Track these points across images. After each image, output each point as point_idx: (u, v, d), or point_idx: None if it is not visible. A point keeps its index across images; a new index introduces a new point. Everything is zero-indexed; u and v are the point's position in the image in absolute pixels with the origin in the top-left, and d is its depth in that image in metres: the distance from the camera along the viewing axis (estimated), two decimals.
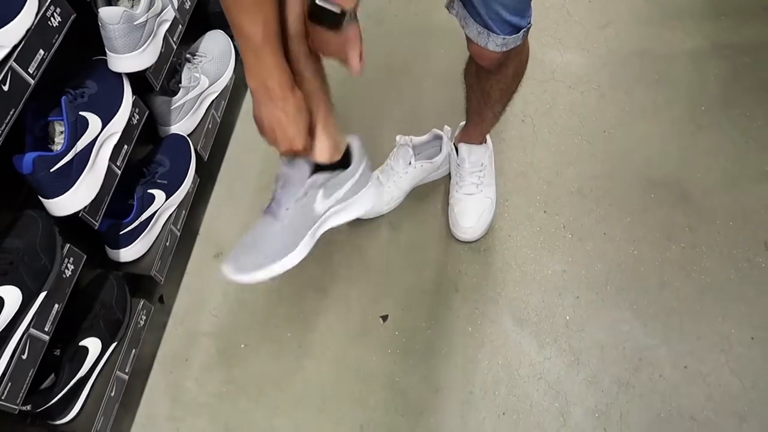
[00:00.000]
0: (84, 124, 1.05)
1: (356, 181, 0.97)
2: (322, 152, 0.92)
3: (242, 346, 1.39)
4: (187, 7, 1.34)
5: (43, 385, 1.07)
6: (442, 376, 1.29)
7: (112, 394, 1.19)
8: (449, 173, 1.54)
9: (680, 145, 1.51)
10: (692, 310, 1.30)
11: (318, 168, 0.92)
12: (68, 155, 1.00)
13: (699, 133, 1.53)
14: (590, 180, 1.49)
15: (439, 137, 1.49)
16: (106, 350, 1.19)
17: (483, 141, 1.44)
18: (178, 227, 1.39)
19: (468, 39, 1.11)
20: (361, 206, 1.02)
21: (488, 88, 1.23)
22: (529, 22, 1.07)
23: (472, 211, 1.41)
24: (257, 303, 1.44)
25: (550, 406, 1.23)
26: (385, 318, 1.37)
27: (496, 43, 1.07)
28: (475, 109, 1.34)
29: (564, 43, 1.74)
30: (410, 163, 1.45)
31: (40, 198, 1.00)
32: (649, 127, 1.55)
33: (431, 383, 1.28)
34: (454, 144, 1.47)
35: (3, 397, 0.91)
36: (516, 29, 1.06)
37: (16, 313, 0.92)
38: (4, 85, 0.88)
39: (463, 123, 1.46)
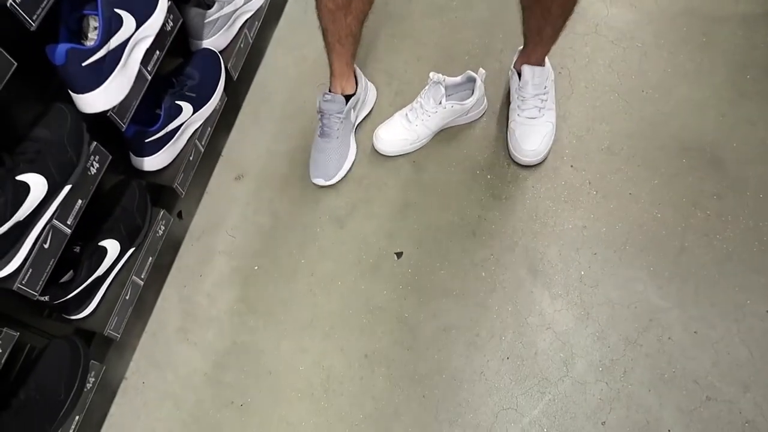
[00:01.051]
0: (118, 22, 1.03)
1: (364, 88, 1.51)
2: (352, 88, 1.47)
3: (256, 267, 1.40)
4: None
5: (62, 280, 1.10)
6: (451, 316, 1.29)
7: (127, 297, 1.21)
8: (479, 118, 1.51)
9: (720, 112, 1.47)
10: (710, 277, 1.28)
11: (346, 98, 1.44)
12: (101, 51, 0.99)
13: (741, 100, 1.48)
14: (622, 139, 1.46)
15: (472, 80, 1.45)
16: (124, 254, 1.20)
17: (543, 63, 1.43)
18: (203, 143, 1.39)
19: None
20: (371, 103, 1.57)
21: (549, 3, 1.22)
22: None
23: (534, 134, 1.41)
24: (275, 228, 1.44)
25: (555, 355, 1.24)
26: (399, 254, 1.38)
27: None
28: (534, 29, 1.32)
29: None
30: (441, 103, 1.42)
31: (70, 92, 1.00)
32: (690, 91, 1.50)
33: (439, 322, 1.29)
34: (514, 68, 1.47)
35: (23, 282, 0.93)
36: None
37: (40, 202, 0.93)
38: None
39: (521, 47, 1.45)
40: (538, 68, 1.41)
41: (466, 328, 1.28)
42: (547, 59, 1.45)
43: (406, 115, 1.47)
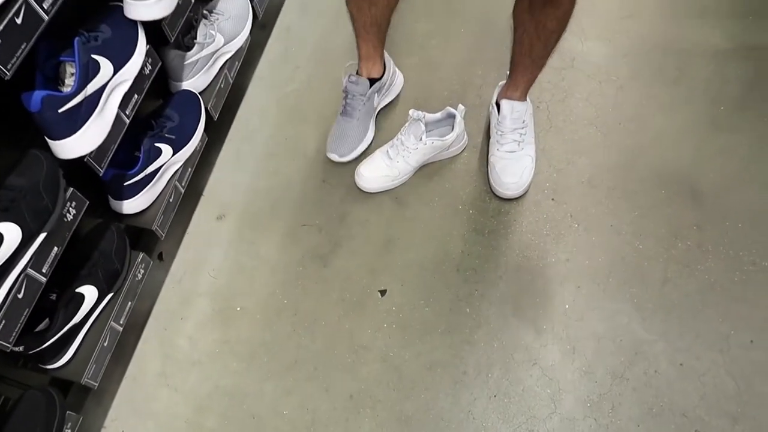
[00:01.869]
0: (96, 68, 1.03)
1: (391, 75, 1.58)
2: (378, 72, 1.53)
3: (238, 308, 1.38)
4: None
5: (37, 328, 1.07)
6: (437, 353, 1.28)
7: (105, 344, 1.18)
8: (460, 153, 1.53)
9: (695, 144, 1.49)
10: (693, 308, 1.28)
11: (371, 81, 1.51)
12: (77, 97, 0.99)
13: (715, 133, 1.50)
14: (601, 171, 1.47)
15: (452, 116, 1.47)
16: (102, 300, 1.18)
17: (525, 98, 1.46)
18: (183, 184, 1.38)
19: None
20: (397, 89, 1.64)
21: (544, 18, 1.22)
22: None
23: (514, 168, 1.43)
24: (257, 268, 1.43)
25: (542, 392, 1.22)
26: (383, 292, 1.36)
27: None
28: (526, 49, 1.32)
29: (586, 32, 1.71)
30: (421, 139, 1.43)
31: (47, 139, 0.99)
32: (666, 123, 1.53)
33: (425, 360, 1.28)
34: (495, 102, 1.50)
35: None
36: None
37: (14, 251, 0.91)
38: (18, 17, 0.86)
39: (502, 83, 1.49)
40: (516, 102, 1.43)
41: (453, 365, 1.27)
42: (527, 96, 1.47)
43: (387, 152, 1.47)
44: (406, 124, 1.46)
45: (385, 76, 1.53)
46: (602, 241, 1.38)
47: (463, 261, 1.38)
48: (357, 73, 1.51)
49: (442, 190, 1.49)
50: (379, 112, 1.61)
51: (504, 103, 1.43)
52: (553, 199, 1.45)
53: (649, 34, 1.70)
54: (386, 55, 1.55)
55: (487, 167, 1.47)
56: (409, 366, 1.27)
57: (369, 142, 1.54)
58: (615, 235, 1.38)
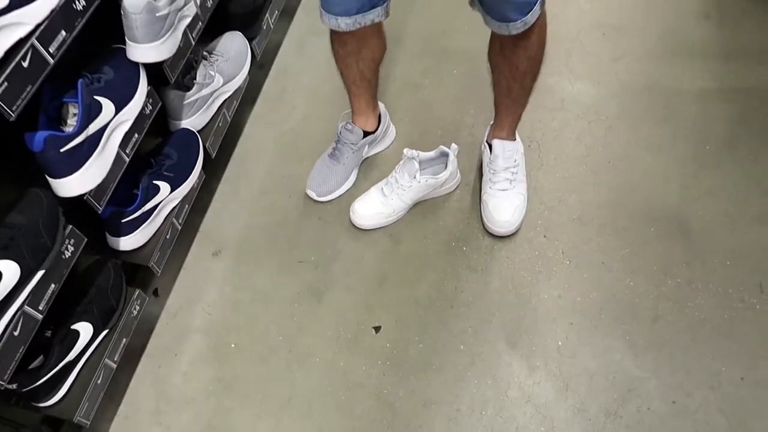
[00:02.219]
0: (98, 108, 1.06)
1: (384, 130, 1.62)
2: (372, 126, 1.57)
3: (233, 345, 1.38)
4: (209, 5, 1.36)
5: (32, 366, 1.07)
6: (431, 391, 1.28)
7: (99, 381, 1.18)
8: (453, 190, 1.55)
9: (683, 182, 1.52)
10: (684, 345, 1.30)
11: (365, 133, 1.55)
12: (79, 137, 1.01)
13: (702, 171, 1.54)
14: (592, 209, 1.50)
15: (445, 154, 1.50)
16: (97, 336, 1.18)
17: (514, 137, 1.50)
18: (180, 221, 1.40)
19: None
20: (386, 143, 1.67)
21: (516, 59, 1.27)
22: None
23: (506, 206, 1.45)
24: (252, 304, 1.44)
25: (536, 430, 1.22)
26: (378, 329, 1.37)
27: (516, 28, 1.15)
28: (504, 90, 1.37)
29: (575, 73, 1.76)
30: (415, 177, 1.46)
31: (48, 177, 1.01)
32: (654, 162, 1.57)
33: (419, 397, 1.27)
34: (486, 142, 1.53)
35: None
36: (532, 4, 1.12)
37: (12, 289, 0.92)
38: (24, 61, 0.89)
39: (492, 123, 1.52)
40: (508, 142, 1.47)
41: (446, 402, 1.27)
42: (517, 134, 1.51)
43: (382, 189, 1.50)
44: (401, 163, 1.49)
45: (379, 129, 1.58)
46: (594, 278, 1.39)
47: (457, 297, 1.39)
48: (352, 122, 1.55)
49: (436, 227, 1.51)
50: (367, 158, 1.65)
51: (495, 143, 1.46)
52: (545, 236, 1.47)
53: (637, 75, 1.75)
54: (383, 108, 1.61)
55: (480, 205, 1.50)
56: (404, 403, 1.27)
57: (348, 187, 1.58)
58: (606, 272, 1.40)
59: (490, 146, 1.49)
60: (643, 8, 1.92)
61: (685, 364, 1.27)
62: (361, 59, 1.39)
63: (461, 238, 1.48)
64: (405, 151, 1.45)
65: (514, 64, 1.28)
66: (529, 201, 1.50)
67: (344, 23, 1.23)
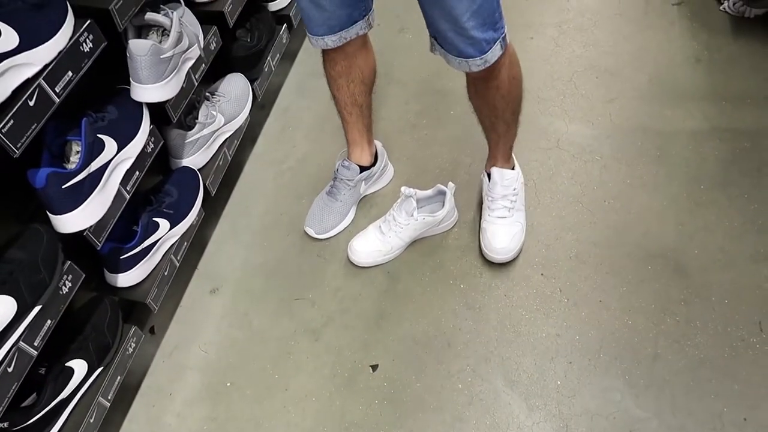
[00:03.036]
0: (100, 146, 1.08)
1: (382, 168, 1.64)
2: (367, 161, 1.59)
3: (228, 384, 1.37)
4: (212, 48, 1.41)
5: (24, 403, 1.06)
6: (428, 431, 1.26)
7: (92, 420, 1.17)
8: (451, 228, 1.56)
9: (678, 221, 1.54)
10: (685, 384, 1.28)
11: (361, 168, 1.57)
12: (81, 174, 1.03)
13: (697, 209, 1.55)
14: (589, 247, 1.51)
15: (442, 193, 1.52)
16: (92, 374, 1.17)
17: (511, 165, 1.53)
18: (179, 258, 1.40)
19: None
20: (384, 182, 1.68)
21: (491, 99, 1.33)
22: (503, 33, 1.18)
23: (504, 233, 1.47)
24: (249, 342, 1.43)
25: None
26: (375, 367, 1.36)
27: (476, 65, 1.20)
28: (489, 126, 1.43)
29: (570, 114, 1.79)
30: (412, 215, 1.47)
31: (48, 213, 1.02)
32: (649, 201, 1.58)
33: None
34: (486, 172, 1.55)
35: None
36: (490, 42, 1.16)
37: (8, 324, 0.92)
38: (30, 100, 0.92)
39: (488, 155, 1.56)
40: (506, 171, 1.49)
41: None
42: (516, 163, 1.55)
43: (380, 227, 1.51)
44: (398, 201, 1.50)
45: (375, 166, 1.61)
46: (592, 317, 1.39)
47: (455, 336, 1.39)
48: (349, 158, 1.58)
49: (434, 264, 1.51)
50: (365, 195, 1.67)
51: (494, 171, 1.49)
52: (542, 274, 1.47)
53: (630, 117, 1.79)
54: (380, 146, 1.65)
55: (479, 233, 1.52)
56: None
57: (347, 225, 1.59)
58: (604, 311, 1.40)
59: (489, 175, 1.51)
60: (636, 53, 1.97)
61: (687, 405, 1.25)
62: (351, 81, 1.44)
63: (459, 275, 1.49)
64: (402, 189, 1.47)
65: (491, 103, 1.35)
66: (526, 239, 1.51)
67: (330, 41, 1.31)
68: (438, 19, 1.15)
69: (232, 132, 1.58)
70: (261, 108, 1.90)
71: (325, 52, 1.40)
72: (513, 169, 1.53)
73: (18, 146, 0.90)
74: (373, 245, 1.50)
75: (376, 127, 1.75)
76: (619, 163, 1.67)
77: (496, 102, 1.34)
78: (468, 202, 1.61)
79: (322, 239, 1.57)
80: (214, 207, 1.63)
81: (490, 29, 1.15)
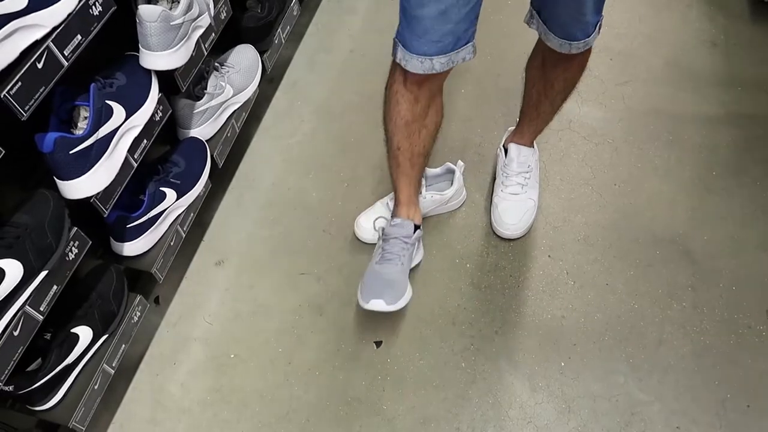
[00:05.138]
0: (108, 112, 1.06)
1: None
2: (419, 218, 1.41)
3: (232, 356, 1.37)
4: (223, 17, 1.38)
5: (29, 368, 1.06)
6: (431, 408, 1.26)
7: (96, 387, 1.17)
8: (459, 208, 1.55)
9: (688, 206, 1.52)
10: (689, 370, 1.28)
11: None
12: (89, 140, 1.02)
13: (708, 196, 1.54)
14: (597, 230, 1.50)
15: (451, 171, 1.50)
16: (97, 341, 1.17)
17: (530, 144, 1.50)
18: (185, 229, 1.40)
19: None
20: (420, 256, 1.46)
21: (553, 78, 1.28)
22: (602, 13, 1.13)
23: (515, 210, 1.46)
24: (253, 315, 1.43)
25: None
26: (378, 344, 1.36)
27: (578, 48, 1.16)
28: (534, 103, 1.38)
29: (583, 96, 1.77)
30: (421, 193, 1.46)
31: (56, 179, 1.02)
32: (660, 185, 1.57)
33: (419, 414, 1.26)
34: (503, 145, 1.53)
35: None
36: (595, 25, 1.13)
37: (14, 288, 0.92)
38: (39, 62, 0.90)
39: (512, 128, 1.53)
40: (524, 147, 1.48)
41: (446, 420, 1.25)
42: (535, 143, 1.53)
43: (387, 203, 1.50)
44: None
45: (422, 225, 1.42)
46: (598, 300, 1.38)
47: (459, 315, 1.38)
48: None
49: (441, 243, 1.51)
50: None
51: (512, 146, 1.48)
52: (549, 256, 1.46)
53: (644, 99, 1.76)
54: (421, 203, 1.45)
55: (490, 208, 1.51)
56: (403, 420, 1.25)
57: (410, 296, 1.32)
58: (610, 294, 1.39)
59: (506, 150, 1.50)
60: (651, 35, 1.94)
61: (690, 390, 1.25)
62: (425, 126, 1.22)
63: (465, 255, 1.48)
64: None
65: (550, 82, 1.30)
66: (534, 219, 1.49)
67: (438, 63, 1.06)
68: (562, 4, 1.10)
69: (241, 104, 1.56)
70: (269, 82, 1.88)
71: (406, 87, 1.14)
72: (531, 147, 1.51)
73: (26, 109, 0.89)
74: (379, 222, 1.49)
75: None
76: (630, 147, 1.65)
77: (555, 82, 1.29)
78: (476, 181, 1.60)
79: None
80: (220, 179, 1.62)
81: (598, 12, 1.11)
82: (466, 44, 1.08)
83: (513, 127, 1.54)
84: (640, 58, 1.87)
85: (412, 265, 1.39)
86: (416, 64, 1.07)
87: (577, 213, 1.53)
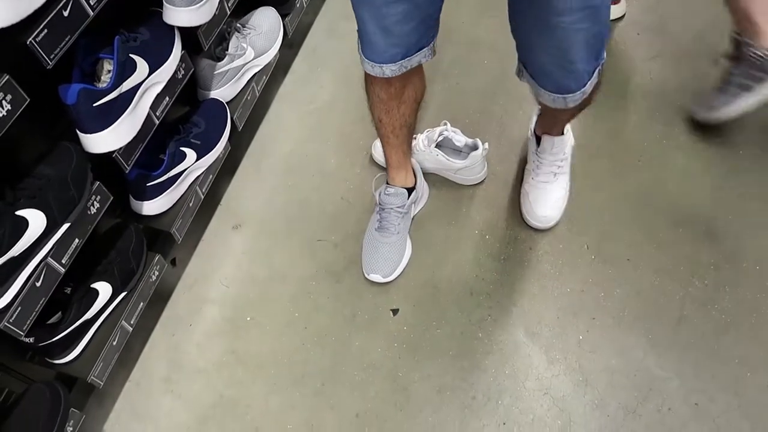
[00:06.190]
0: (132, 67, 1.05)
1: (421, 186, 1.46)
2: (411, 181, 1.42)
3: (248, 318, 1.37)
4: None
5: (49, 321, 1.06)
6: (447, 377, 1.26)
7: (114, 343, 1.17)
8: (480, 182, 1.52)
9: (714, 184, 1.49)
10: (709, 348, 1.27)
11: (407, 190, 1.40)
12: (113, 93, 1.01)
13: (734, 174, 1.51)
14: (619, 204, 1.47)
15: (475, 148, 1.47)
16: (116, 298, 1.18)
17: (562, 132, 1.42)
18: (204, 190, 1.39)
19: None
20: (424, 200, 1.50)
21: (559, 113, 1.22)
22: (603, 58, 1.02)
23: (547, 199, 1.41)
24: (270, 280, 1.42)
25: (553, 423, 1.20)
26: (395, 311, 1.35)
27: (574, 100, 1.06)
28: (550, 116, 1.35)
29: (610, 70, 1.73)
30: (430, 146, 1.46)
31: (78, 132, 1.01)
32: (686, 162, 1.54)
33: (434, 383, 1.25)
34: (534, 132, 1.45)
35: (11, 321, 0.90)
36: (591, 73, 1.02)
37: (37, 239, 0.92)
38: (65, 10, 0.89)
39: (539, 114, 1.45)
40: (558, 138, 1.40)
41: (462, 389, 1.24)
42: (568, 126, 1.45)
43: None
44: (434, 128, 1.49)
45: (418, 183, 1.44)
46: (619, 275, 1.37)
47: (477, 285, 1.37)
48: (388, 183, 1.41)
49: (459, 214, 1.49)
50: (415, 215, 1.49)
51: (546, 138, 1.40)
52: (570, 230, 1.44)
53: (671, 75, 1.72)
54: (414, 162, 1.46)
55: (520, 194, 1.47)
56: (418, 388, 1.25)
57: (408, 258, 1.40)
58: (632, 270, 1.37)
59: (538, 139, 1.43)
60: (680, 9, 1.88)
61: (710, 367, 1.24)
62: (403, 102, 1.24)
63: (484, 226, 1.46)
64: (444, 121, 1.47)
65: (556, 116, 1.27)
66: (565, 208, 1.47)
67: (389, 70, 1.10)
68: (540, 50, 1.01)
69: (261, 67, 1.54)
70: (290, 47, 1.85)
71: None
72: (563, 134, 1.43)
73: (51, 57, 0.87)
74: None
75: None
76: (656, 122, 1.62)
77: (564, 115, 1.25)
78: (498, 153, 1.58)
79: (394, 278, 1.39)
80: (240, 142, 1.61)
81: (594, 59, 1.01)
82: (418, 51, 1.09)
83: (540, 113, 1.45)
84: (669, 34, 1.83)
85: (416, 211, 1.48)
86: (368, 67, 1.12)
87: (600, 188, 1.51)
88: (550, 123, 1.38)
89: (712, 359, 1.25)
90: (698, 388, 1.22)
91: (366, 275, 1.38)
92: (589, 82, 1.05)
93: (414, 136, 1.48)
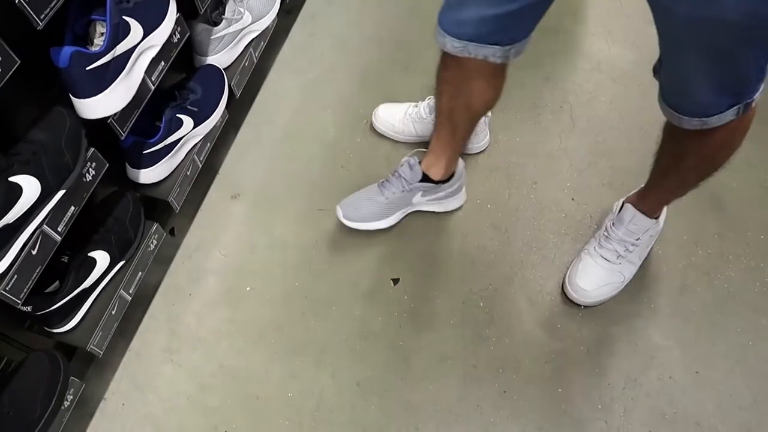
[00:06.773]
0: (126, 29, 1.01)
1: (452, 191, 1.38)
2: (436, 174, 1.33)
3: (248, 288, 1.36)
4: None
5: (47, 290, 1.05)
6: (448, 346, 1.26)
7: (113, 312, 1.16)
8: (482, 150, 1.50)
9: None
10: (711, 317, 1.26)
11: (426, 178, 1.33)
12: (106, 56, 0.97)
13: None
14: (622, 174, 1.46)
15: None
16: (114, 266, 1.16)
17: (655, 215, 1.27)
18: (201, 159, 1.37)
19: None
20: (449, 206, 1.42)
21: (682, 150, 1.04)
22: (750, 99, 0.88)
23: (597, 277, 1.26)
24: (269, 249, 1.41)
25: (554, 390, 1.20)
26: (396, 281, 1.34)
27: (691, 124, 0.93)
28: (661, 169, 1.15)
29: (613, 36, 1.70)
30: (430, 113, 1.45)
31: (72, 97, 0.98)
32: None
33: (435, 352, 1.25)
34: (623, 201, 1.30)
35: (7, 289, 0.89)
36: (721, 107, 0.88)
37: (32, 206, 0.90)
38: None
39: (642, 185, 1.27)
40: (641, 216, 1.24)
41: (463, 358, 1.24)
42: (664, 213, 1.31)
43: (407, 108, 1.51)
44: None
45: (446, 184, 1.35)
46: None
47: (479, 255, 1.36)
48: (420, 162, 1.33)
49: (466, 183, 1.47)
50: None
51: (628, 208, 1.25)
52: (573, 199, 1.43)
53: None
54: (461, 167, 1.36)
55: (575, 257, 1.33)
56: (419, 356, 1.25)
57: (380, 228, 1.37)
58: None
59: (622, 206, 1.28)
60: None
61: (712, 336, 1.24)
62: (455, 97, 1.14)
63: (486, 196, 1.45)
64: None
65: (679, 154, 1.06)
66: (557, 162, 1.45)
67: (451, 45, 1.00)
68: (676, 59, 0.90)
69: (259, 32, 1.50)
70: (288, 13, 1.81)
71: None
72: (653, 218, 1.26)
73: (41, 17, 0.84)
74: (394, 117, 1.51)
75: (417, 55, 1.66)
76: None
77: (687, 156, 1.04)
78: (501, 120, 1.55)
79: (350, 227, 1.37)
80: (237, 110, 1.58)
81: (727, 94, 0.87)
82: (493, 44, 0.98)
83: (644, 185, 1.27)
84: None
85: (447, 210, 1.41)
86: (437, 36, 1.02)
87: (603, 157, 1.49)
88: (661, 173, 1.16)
89: (714, 328, 1.25)
90: (700, 357, 1.22)
91: (336, 208, 1.36)
92: (716, 116, 0.91)
93: (415, 103, 1.45)
